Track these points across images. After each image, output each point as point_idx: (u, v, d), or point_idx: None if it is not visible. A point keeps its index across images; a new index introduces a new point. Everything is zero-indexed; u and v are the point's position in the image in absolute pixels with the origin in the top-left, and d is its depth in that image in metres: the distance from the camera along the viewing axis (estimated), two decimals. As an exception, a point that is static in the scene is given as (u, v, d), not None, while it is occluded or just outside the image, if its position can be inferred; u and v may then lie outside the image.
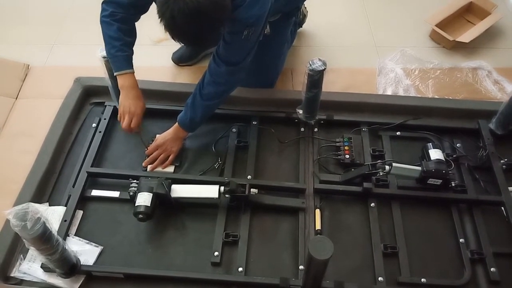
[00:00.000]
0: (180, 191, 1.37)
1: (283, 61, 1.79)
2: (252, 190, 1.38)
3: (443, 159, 1.40)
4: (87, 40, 2.06)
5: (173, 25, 1.16)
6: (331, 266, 1.08)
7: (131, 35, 1.45)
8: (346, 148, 1.52)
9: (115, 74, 1.44)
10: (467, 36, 1.97)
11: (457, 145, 1.56)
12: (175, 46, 1.90)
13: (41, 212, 1.04)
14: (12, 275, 1.27)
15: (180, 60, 1.90)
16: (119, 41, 1.41)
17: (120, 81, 1.45)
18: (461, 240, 1.33)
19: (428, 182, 1.40)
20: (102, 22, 1.43)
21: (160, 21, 1.18)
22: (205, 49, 1.89)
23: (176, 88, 1.72)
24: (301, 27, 2.05)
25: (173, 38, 1.22)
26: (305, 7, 1.98)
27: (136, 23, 1.47)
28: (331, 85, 1.76)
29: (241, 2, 1.26)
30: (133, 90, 1.46)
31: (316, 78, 1.42)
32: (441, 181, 1.39)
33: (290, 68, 1.89)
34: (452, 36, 1.98)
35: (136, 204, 1.31)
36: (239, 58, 1.39)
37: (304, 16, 2.00)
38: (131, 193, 1.36)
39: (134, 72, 1.46)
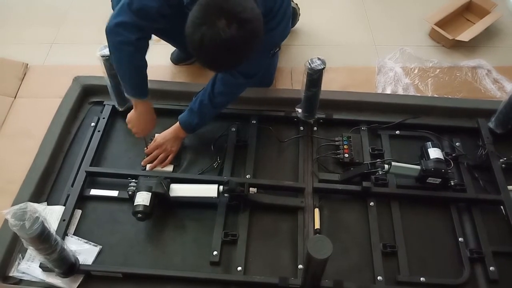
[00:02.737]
0: (179, 190, 1.37)
1: (277, 57, 1.79)
2: (251, 189, 1.38)
3: (443, 158, 1.40)
4: (86, 39, 2.06)
5: (199, 49, 1.09)
6: (330, 265, 1.08)
7: (145, 59, 1.38)
8: (345, 147, 1.52)
9: (134, 99, 1.41)
10: (466, 35, 1.97)
11: (457, 144, 1.55)
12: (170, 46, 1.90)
13: (40, 211, 1.04)
14: (11, 274, 1.26)
15: (178, 60, 1.90)
16: (145, 69, 1.36)
17: (139, 105, 1.42)
18: (460, 239, 1.33)
19: (427, 181, 1.40)
20: (119, 49, 1.30)
21: (188, 42, 1.10)
22: None
23: (175, 87, 1.72)
24: (294, 26, 2.04)
25: (195, 57, 1.18)
26: (296, 4, 1.98)
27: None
28: (330, 84, 1.75)
29: (275, 25, 1.26)
30: (148, 115, 1.45)
31: (315, 77, 1.42)
32: (440, 180, 1.39)
33: (290, 67, 1.89)
34: (452, 35, 1.98)
35: (135, 203, 1.30)
36: (259, 71, 1.41)
37: (296, 14, 2.00)
38: (130, 192, 1.36)
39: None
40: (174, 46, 1.84)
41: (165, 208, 1.38)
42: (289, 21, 1.35)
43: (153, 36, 1.64)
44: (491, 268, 1.26)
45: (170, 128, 1.51)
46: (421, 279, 1.25)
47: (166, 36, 1.67)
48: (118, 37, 1.28)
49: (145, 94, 1.41)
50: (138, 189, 1.33)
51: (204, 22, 1.05)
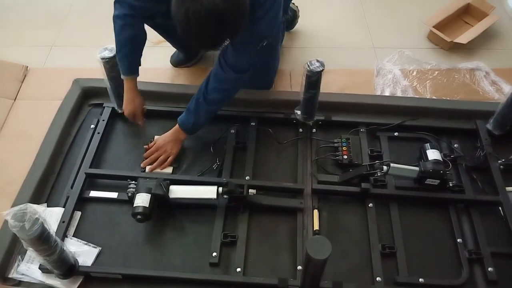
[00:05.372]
0: (178, 192, 1.37)
1: (278, 60, 1.80)
2: (250, 190, 1.38)
3: (441, 159, 1.40)
4: (85, 42, 2.07)
5: (187, 26, 1.12)
6: (329, 266, 1.09)
7: (141, 39, 1.48)
8: (344, 148, 1.53)
9: (122, 76, 1.50)
10: (464, 37, 1.98)
11: (455, 145, 1.56)
12: (172, 49, 1.90)
13: (39, 213, 1.04)
14: (10, 276, 1.26)
15: (178, 63, 1.91)
16: (126, 47, 1.44)
17: (124, 82, 1.51)
18: (458, 240, 1.34)
19: (426, 182, 1.40)
20: (114, 22, 1.44)
21: (174, 21, 1.14)
22: (208, 50, 1.90)
23: (174, 89, 1.72)
24: (293, 27, 2.06)
25: (184, 39, 1.21)
26: (296, 6, 1.99)
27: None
28: (329, 86, 1.76)
29: (262, 15, 1.26)
30: (128, 94, 1.53)
31: (314, 79, 1.42)
32: (438, 181, 1.39)
33: (289, 69, 1.89)
34: (450, 37, 1.99)
35: (134, 205, 1.31)
36: (248, 66, 1.40)
37: (295, 16, 2.01)
38: (129, 194, 1.36)
39: (134, 77, 1.51)
40: (175, 47, 1.85)
41: (164, 209, 1.39)
42: (278, 13, 1.33)
43: (155, 38, 1.66)
44: (490, 269, 1.27)
45: (170, 130, 1.51)
46: (420, 279, 1.25)
47: (167, 34, 1.68)
48: (114, 11, 1.42)
49: (127, 72, 1.49)
50: (137, 191, 1.34)
51: None
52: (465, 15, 2.16)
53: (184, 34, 1.16)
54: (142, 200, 1.31)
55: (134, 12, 1.41)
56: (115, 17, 1.43)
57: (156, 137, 1.54)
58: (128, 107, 1.54)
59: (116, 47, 1.44)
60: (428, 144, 1.46)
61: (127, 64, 1.47)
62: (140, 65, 1.51)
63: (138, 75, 1.52)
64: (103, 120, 1.60)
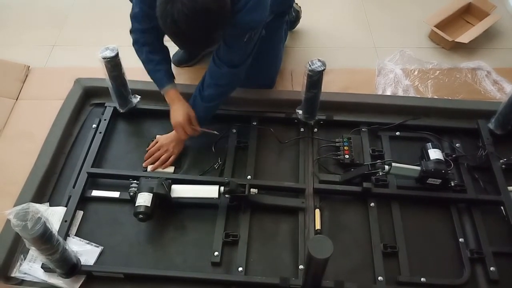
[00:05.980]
0: (180, 191, 1.37)
1: (280, 60, 1.80)
2: (252, 190, 1.39)
3: (443, 159, 1.40)
4: (87, 41, 2.07)
5: (177, 29, 1.16)
6: (331, 266, 1.09)
7: (161, 51, 1.49)
8: (346, 148, 1.53)
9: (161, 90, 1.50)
10: (466, 36, 1.97)
11: (457, 145, 1.56)
12: (174, 48, 1.90)
13: (42, 212, 1.04)
14: (12, 275, 1.27)
15: (179, 62, 1.90)
16: (151, 63, 1.48)
17: (166, 98, 1.50)
18: (460, 239, 1.34)
19: (427, 182, 1.40)
20: (134, 50, 1.49)
21: (165, 30, 1.19)
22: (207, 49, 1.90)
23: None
24: (295, 27, 2.06)
25: (180, 44, 1.23)
26: (300, 7, 1.99)
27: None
28: (331, 86, 1.76)
29: (242, 6, 1.26)
30: (173, 104, 1.48)
31: (315, 79, 1.42)
32: (440, 180, 1.39)
33: (290, 69, 1.89)
34: (451, 36, 1.98)
35: (136, 204, 1.31)
36: (241, 60, 1.40)
37: (298, 16, 2.01)
38: (131, 193, 1.36)
39: (174, 86, 1.50)
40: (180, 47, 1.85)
41: (166, 209, 1.39)
42: (260, 5, 1.31)
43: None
44: (492, 269, 1.27)
45: (173, 131, 1.51)
46: (422, 279, 1.25)
47: None
48: (132, 34, 1.46)
49: (159, 85, 1.50)
50: (139, 190, 1.34)
51: (166, 1, 1.13)
52: (467, 14, 2.16)
53: (177, 39, 1.20)
54: (144, 199, 1.31)
55: (143, 35, 1.44)
56: (133, 46, 1.47)
57: (158, 136, 1.55)
58: (175, 116, 1.46)
59: (145, 66, 1.48)
60: (429, 143, 1.46)
61: (159, 75, 1.48)
62: (172, 75, 1.52)
63: (170, 83, 1.49)
64: (105, 120, 1.60)
